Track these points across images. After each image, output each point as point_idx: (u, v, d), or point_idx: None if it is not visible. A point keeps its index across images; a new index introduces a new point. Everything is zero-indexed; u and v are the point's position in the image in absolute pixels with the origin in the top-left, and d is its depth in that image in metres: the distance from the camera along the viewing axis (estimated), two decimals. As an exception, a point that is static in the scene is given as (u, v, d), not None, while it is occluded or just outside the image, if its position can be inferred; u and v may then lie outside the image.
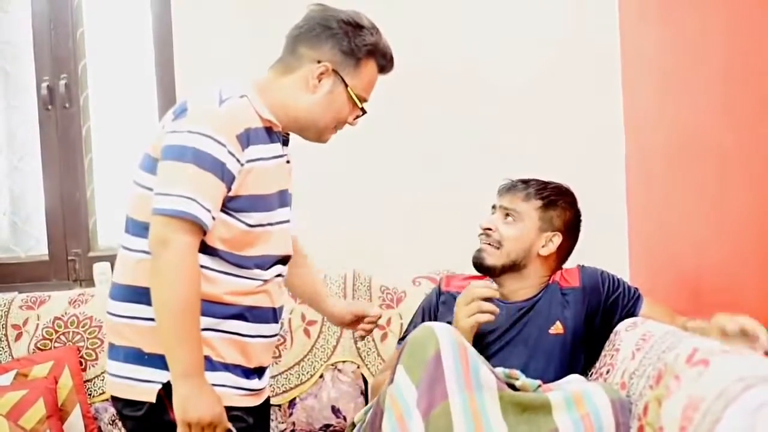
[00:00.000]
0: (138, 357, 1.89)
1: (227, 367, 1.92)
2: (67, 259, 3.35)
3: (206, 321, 1.87)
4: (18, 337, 2.89)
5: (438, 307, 2.43)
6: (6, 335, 2.90)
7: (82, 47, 3.39)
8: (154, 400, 1.87)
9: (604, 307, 2.28)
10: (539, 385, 1.98)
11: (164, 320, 1.80)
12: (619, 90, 3.01)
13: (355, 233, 3.11)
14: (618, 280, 2.33)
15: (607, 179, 3.00)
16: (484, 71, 3.09)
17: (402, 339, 2.52)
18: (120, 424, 2.79)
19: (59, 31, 3.35)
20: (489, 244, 2.31)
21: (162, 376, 1.87)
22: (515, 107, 3.08)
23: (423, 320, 2.42)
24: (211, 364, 1.89)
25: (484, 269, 2.33)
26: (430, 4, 3.13)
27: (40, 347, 2.86)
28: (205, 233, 1.83)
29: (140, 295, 1.88)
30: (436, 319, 2.37)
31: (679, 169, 2.46)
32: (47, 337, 2.88)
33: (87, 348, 2.86)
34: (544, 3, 3.09)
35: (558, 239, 2.31)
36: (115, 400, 1.96)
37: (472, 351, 1.89)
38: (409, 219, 3.10)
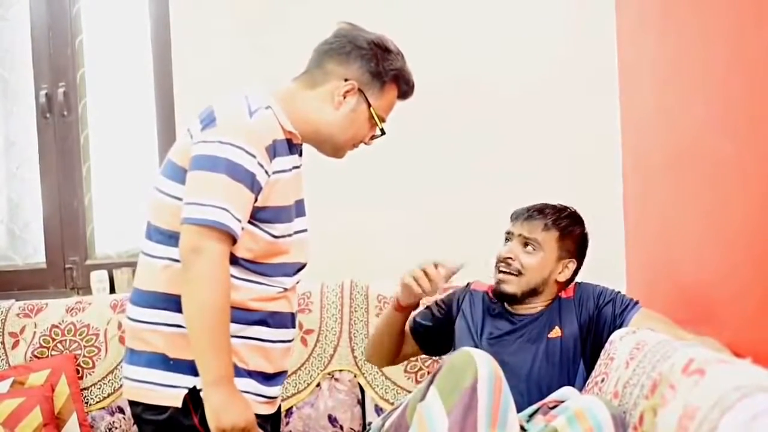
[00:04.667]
0: (163, 362, 1.91)
1: (250, 374, 1.94)
2: (65, 267, 3.35)
3: (231, 327, 1.89)
4: (15, 345, 2.89)
5: (464, 299, 2.48)
6: (3, 343, 2.90)
7: (81, 55, 3.39)
8: (180, 405, 1.89)
9: (595, 316, 2.32)
10: (546, 425, 1.98)
11: (197, 328, 1.81)
12: (617, 99, 3.02)
13: (353, 242, 3.11)
14: (613, 292, 2.36)
15: (604, 189, 3.00)
16: (482, 80, 3.10)
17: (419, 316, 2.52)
18: (116, 432, 2.81)
19: (58, 39, 3.36)
20: (508, 272, 2.34)
21: (188, 381, 1.89)
22: (513, 116, 3.08)
23: (442, 304, 2.50)
24: (235, 371, 1.90)
25: (506, 298, 2.37)
26: (431, 16, 3.14)
27: (37, 355, 2.86)
28: (234, 243, 1.85)
29: (165, 302, 1.90)
30: (459, 309, 2.45)
31: (677, 179, 2.46)
32: (44, 345, 2.88)
33: (84, 356, 2.86)
34: (542, 13, 3.10)
35: (573, 265, 2.38)
36: (134, 404, 1.97)
37: (506, 386, 1.90)
38: (407, 227, 3.10)
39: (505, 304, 2.42)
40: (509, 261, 2.34)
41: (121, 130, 3.41)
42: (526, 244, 2.34)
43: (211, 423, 1.82)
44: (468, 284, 2.54)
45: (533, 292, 2.35)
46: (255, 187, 1.85)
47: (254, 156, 1.84)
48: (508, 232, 2.40)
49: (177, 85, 3.21)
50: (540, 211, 2.37)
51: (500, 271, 2.36)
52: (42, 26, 3.36)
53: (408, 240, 3.09)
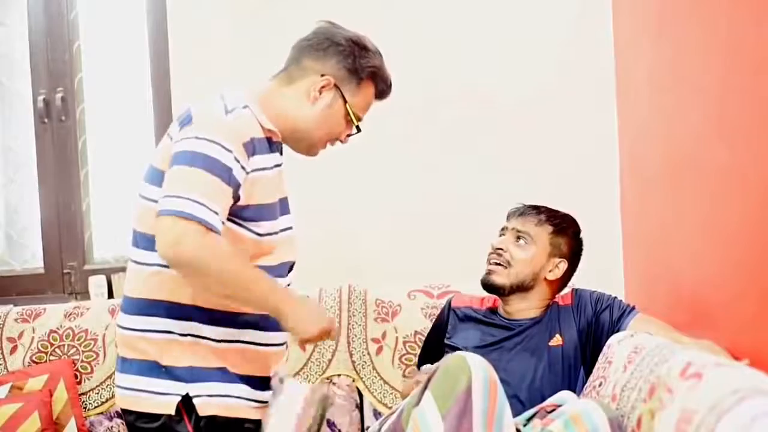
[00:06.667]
0: (154, 370, 1.91)
1: (242, 379, 1.95)
2: (63, 272, 3.35)
3: (223, 332, 1.91)
4: (13, 350, 2.89)
5: (448, 324, 2.50)
6: (1, 348, 2.90)
7: (79, 61, 3.40)
8: (173, 413, 1.89)
9: (593, 322, 2.33)
10: (542, 429, 1.98)
11: (233, 291, 1.84)
12: (614, 105, 3.02)
13: (351, 247, 3.11)
14: (610, 298, 2.38)
15: (601, 194, 3.00)
16: (479, 86, 3.10)
17: (420, 358, 2.55)
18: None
19: (56, 45, 3.36)
20: (498, 263, 2.36)
21: (180, 388, 1.89)
22: (512, 123, 3.09)
23: (433, 338, 2.55)
24: (227, 376, 1.92)
25: (494, 289, 2.38)
26: (428, 20, 3.14)
27: (36, 360, 2.86)
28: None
29: (155, 308, 1.91)
30: (445, 331, 2.48)
31: (674, 184, 2.47)
32: (42, 350, 2.87)
33: (82, 361, 2.86)
34: (540, 19, 3.11)
35: (564, 265, 2.39)
36: (127, 413, 1.96)
37: (501, 390, 1.89)
38: (405, 233, 3.10)
39: (500, 308, 2.43)
40: (500, 252, 2.37)
41: (119, 135, 3.42)
42: (518, 238, 2.37)
43: (301, 336, 1.89)
44: (448, 302, 2.56)
45: (522, 287, 2.36)
46: (232, 181, 1.84)
47: (231, 151, 1.83)
48: (502, 228, 2.43)
49: (174, 90, 3.21)
50: (535, 208, 2.41)
51: (490, 263, 2.38)
52: (40, 32, 3.36)
53: (406, 246, 3.09)
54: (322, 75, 1.98)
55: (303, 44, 2.04)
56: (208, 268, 1.77)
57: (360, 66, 2.00)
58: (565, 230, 2.40)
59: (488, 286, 2.38)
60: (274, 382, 1.89)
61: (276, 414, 1.84)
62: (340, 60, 1.99)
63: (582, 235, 2.44)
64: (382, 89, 2.07)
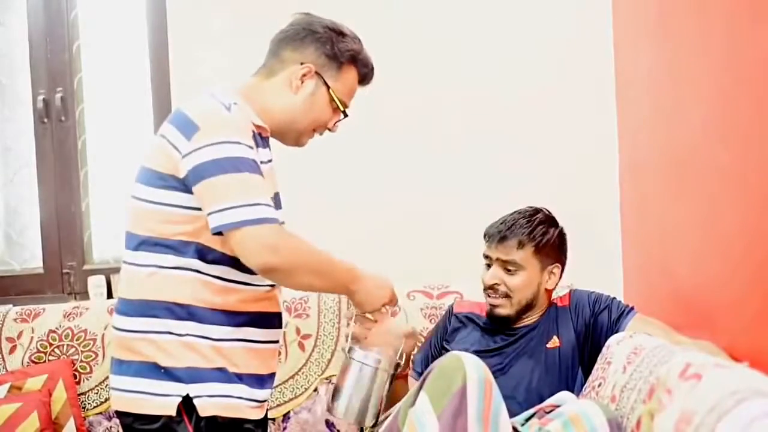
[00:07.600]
0: (154, 371, 1.89)
1: (241, 378, 1.94)
2: (62, 272, 3.34)
3: (223, 330, 1.90)
4: (12, 349, 2.88)
5: (448, 329, 2.50)
6: (0, 348, 2.90)
7: (78, 61, 3.39)
8: (174, 414, 1.87)
9: (590, 323, 2.33)
10: (540, 428, 1.98)
11: (321, 280, 1.92)
12: (613, 105, 3.02)
13: (349, 248, 3.08)
14: (608, 298, 2.36)
15: (600, 195, 3.00)
16: (479, 85, 3.10)
17: (419, 360, 2.54)
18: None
19: (55, 45, 3.36)
20: (497, 297, 2.35)
21: (181, 389, 1.88)
22: (509, 122, 3.09)
23: (434, 342, 2.53)
24: (226, 376, 1.91)
25: (502, 321, 2.37)
26: (429, 21, 3.14)
27: (35, 360, 2.86)
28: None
29: (154, 309, 1.89)
30: (445, 337, 2.48)
31: (673, 185, 2.46)
32: (41, 350, 2.87)
33: (81, 361, 2.86)
34: (539, 19, 3.11)
35: (558, 268, 2.38)
36: (124, 415, 1.94)
37: (497, 390, 1.90)
38: (404, 232, 3.10)
39: None
40: (496, 287, 2.34)
41: (119, 135, 3.41)
42: (507, 269, 2.34)
43: (368, 308, 2.02)
44: (450, 307, 2.56)
45: (528, 308, 2.36)
46: (260, 172, 1.85)
47: (251, 147, 1.85)
48: (486, 256, 2.38)
49: (174, 91, 3.21)
50: (510, 228, 2.33)
51: (490, 297, 2.37)
52: (39, 32, 3.36)
53: (405, 246, 3.09)
54: (302, 63, 1.99)
55: (280, 36, 2.05)
56: (301, 261, 1.85)
57: (339, 51, 2.00)
58: (548, 241, 2.35)
59: (496, 318, 2.37)
60: (344, 352, 2.07)
61: (350, 381, 2.05)
62: (319, 47, 2.00)
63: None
64: (365, 73, 2.07)
